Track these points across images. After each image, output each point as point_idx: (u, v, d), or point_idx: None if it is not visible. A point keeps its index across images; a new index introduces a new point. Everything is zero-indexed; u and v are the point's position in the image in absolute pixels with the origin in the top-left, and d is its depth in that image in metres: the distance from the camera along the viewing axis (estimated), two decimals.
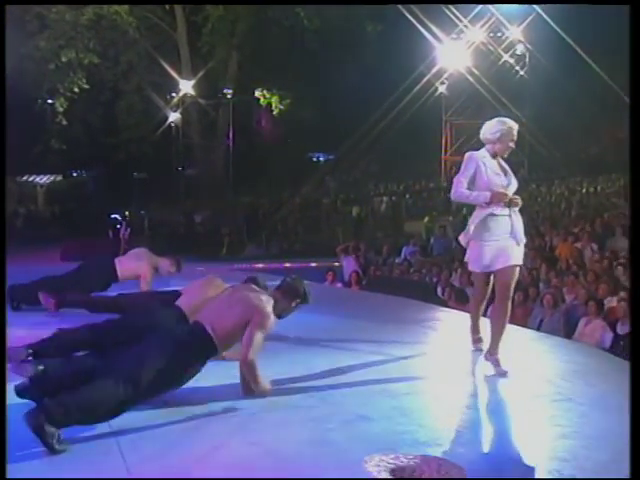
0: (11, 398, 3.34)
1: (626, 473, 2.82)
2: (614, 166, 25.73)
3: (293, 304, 3.98)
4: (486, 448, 3.21)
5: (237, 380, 3.80)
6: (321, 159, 33.45)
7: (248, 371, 3.67)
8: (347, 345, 5.10)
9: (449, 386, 4.21)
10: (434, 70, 24.25)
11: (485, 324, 4.68)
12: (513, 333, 5.41)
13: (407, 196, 26.52)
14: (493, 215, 4.27)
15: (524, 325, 7.03)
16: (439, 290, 9.76)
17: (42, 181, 30.46)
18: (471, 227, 4.36)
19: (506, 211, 4.30)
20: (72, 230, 19.86)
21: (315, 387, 4.00)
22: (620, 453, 3.04)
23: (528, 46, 26.13)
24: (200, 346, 3.55)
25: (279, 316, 3.88)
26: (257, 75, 24.95)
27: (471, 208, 4.54)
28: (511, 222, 4.31)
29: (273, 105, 26.28)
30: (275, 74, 24.93)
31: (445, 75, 25.93)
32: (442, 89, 27.44)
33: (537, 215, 15.67)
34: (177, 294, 4.92)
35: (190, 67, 23.79)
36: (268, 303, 3.76)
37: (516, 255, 4.34)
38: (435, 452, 2.86)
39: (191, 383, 3.58)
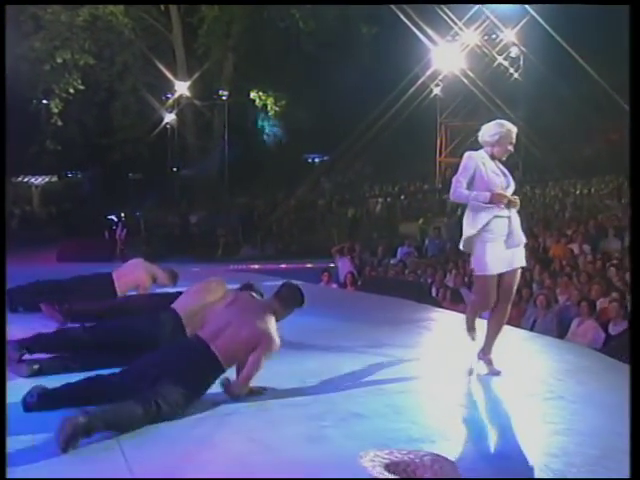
0: (11, 398, 3.37)
1: (615, 468, 2.89)
2: (608, 168, 25.87)
3: (290, 311, 4.02)
4: (479, 445, 3.26)
5: None
6: (316, 160, 33.50)
7: (244, 385, 3.75)
8: (342, 345, 5.15)
9: (442, 385, 4.27)
10: (429, 72, 24.35)
11: (481, 324, 4.71)
12: (506, 333, 5.46)
13: (402, 197, 26.58)
14: (496, 217, 4.27)
15: (517, 325, 7.08)
16: (433, 291, 9.83)
17: (37, 182, 30.41)
18: (471, 231, 4.29)
19: (506, 212, 4.31)
20: (68, 231, 19.85)
21: (310, 386, 4.04)
22: (610, 449, 3.12)
23: (522, 48, 26.24)
24: (210, 369, 3.62)
25: (276, 320, 3.94)
26: (252, 76, 25.02)
27: (466, 209, 4.49)
28: (510, 223, 4.32)
29: (268, 106, 26.37)
30: (270, 75, 25.00)
31: (440, 77, 26.03)
32: (437, 91, 27.53)
33: (531, 216, 15.75)
34: (177, 296, 4.93)
35: (185, 68, 23.84)
36: (272, 325, 3.80)
37: (519, 257, 4.37)
38: (428, 448, 2.90)
39: None
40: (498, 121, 4.48)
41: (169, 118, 25.32)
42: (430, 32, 21.14)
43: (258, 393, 3.81)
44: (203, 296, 4.68)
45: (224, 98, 24.11)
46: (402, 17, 19.97)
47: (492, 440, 3.36)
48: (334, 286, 10.88)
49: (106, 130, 24.37)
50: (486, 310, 4.48)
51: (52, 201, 28.28)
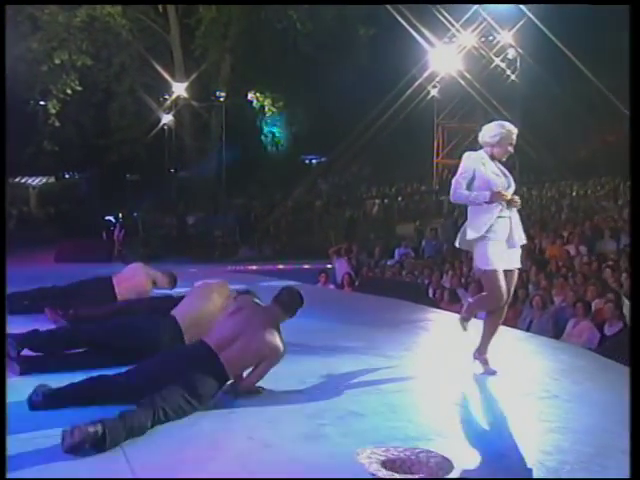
0: (11, 398, 3.38)
1: (608, 465, 2.94)
2: (604, 169, 25.98)
3: (291, 315, 4.06)
4: (474, 442, 3.30)
5: None
6: (313, 161, 33.55)
7: (246, 389, 3.83)
8: (339, 345, 5.19)
9: (439, 384, 4.31)
10: (426, 74, 24.42)
11: (475, 324, 4.76)
12: (503, 333, 5.51)
13: (399, 199, 26.64)
14: (498, 217, 4.27)
15: (514, 326, 7.13)
16: (430, 291, 9.88)
17: (34, 182, 30.38)
18: (474, 234, 4.28)
19: (507, 212, 4.32)
20: (65, 232, 19.86)
21: (308, 385, 4.08)
22: (603, 447, 3.17)
23: (519, 50, 26.35)
24: (217, 378, 3.63)
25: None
26: (250, 78, 25.04)
27: (463, 210, 4.51)
28: (510, 223, 4.33)
29: (266, 108, 26.41)
30: (268, 77, 25.03)
31: (437, 79, 26.11)
32: (434, 92, 27.62)
33: (528, 218, 15.83)
34: (178, 300, 4.95)
35: (183, 69, 23.82)
36: (279, 335, 3.85)
37: (517, 258, 4.40)
38: (424, 446, 2.95)
39: None
40: (499, 122, 4.47)
41: (166, 119, 25.32)
42: (427, 34, 21.20)
43: (257, 392, 3.86)
44: (204, 304, 4.64)
45: (221, 99, 24.12)
46: (399, 19, 20.02)
47: (488, 438, 3.40)
48: (331, 287, 10.91)
49: (103, 131, 24.35)
50: (502, 304, 4.38)
51: (49, 202, 28.27)
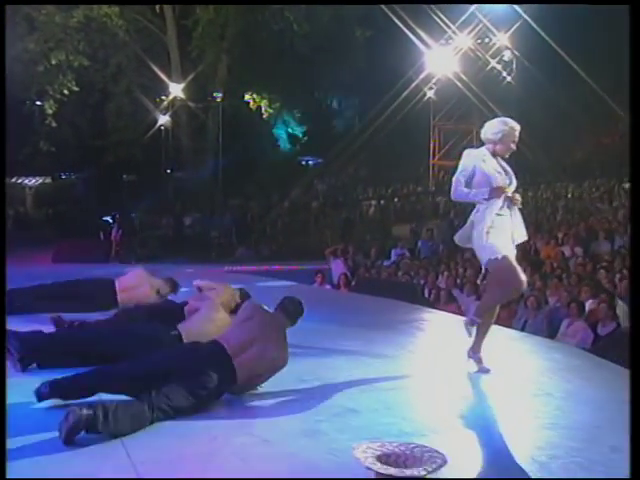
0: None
1: (595, 460, 3.01)
2: (599, 171, 26.08)
3: (294, 323, 4.12)
4: (468, 438, 3.37)
5: None
6: (310, 163, 33.60)
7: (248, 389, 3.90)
8: (336, 344, 5.25)
9: (434, 383, 4.37)
10: (423, 75, 24.49)
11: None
12: (497, 333, 5.58)
13: (395, 200, 26.70)
14: (498, 215, 4.26)
15: (509, 326, 7.19)
16: (426, 292, 9.94)
17: (31, 183, 30.37)
18: (477, 233, 4.29)
19: (506, 211, 4.31)
20: (62, 232, 19.88)
21: (306, 383, 4.14)
22: (591, 442, 3.25)
23: (515, 52, 26.47)
24: (226, 381, 3.66)
25: None
26: (247, 78, 25.08)
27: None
28: (511, 220, 4.33)
29: (263, 108, 26.44)
30: (264, 78, 25.08)
31: (433, 80, 26.18)
32: (430, 94, 27.69)
33: (524, 219, 15.85)
34: (181, 307, 4.98)
35: (180, 70, 23.86)
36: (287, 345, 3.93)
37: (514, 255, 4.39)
38: (419, 442, 3.00)
39: None
40: (502, 119, 4.45)
41: (163, 120, 25.34)
42: (424, 36, 21.29)
43: (254, 389, 3.91)
44: (209, 326, 4.54)
45: (218, 100, 24.15)
46: (396, 20, 20.11)
47: (481, 434, 3.46)
48: (328, 287, 10.97)
49: (100, 132, 24.37)
50: (522, 289, 4.30)
51: (46, 202, 28.28)
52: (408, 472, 2.56)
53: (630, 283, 5.56)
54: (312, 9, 22.08)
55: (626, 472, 2.82)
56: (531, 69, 24.50)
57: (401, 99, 23.82)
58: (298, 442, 3.21)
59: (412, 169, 30.06)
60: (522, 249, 11.35)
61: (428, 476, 2.59)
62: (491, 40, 26.02)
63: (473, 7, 22.06)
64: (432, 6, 20.77)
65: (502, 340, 5.44)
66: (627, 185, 19.35)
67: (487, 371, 4.47)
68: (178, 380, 3.45)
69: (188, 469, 2.91)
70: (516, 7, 21.21)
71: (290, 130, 31.83)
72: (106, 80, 23.30)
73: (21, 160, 22.83)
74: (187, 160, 25.17)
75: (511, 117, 4.58)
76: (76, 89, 21.62)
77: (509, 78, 27.39)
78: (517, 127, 4.36)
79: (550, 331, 7.62)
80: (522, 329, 7.47)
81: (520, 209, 4.44)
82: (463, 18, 22.38)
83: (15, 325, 4.51)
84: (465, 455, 3.11)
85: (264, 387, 3.93)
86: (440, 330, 6.28)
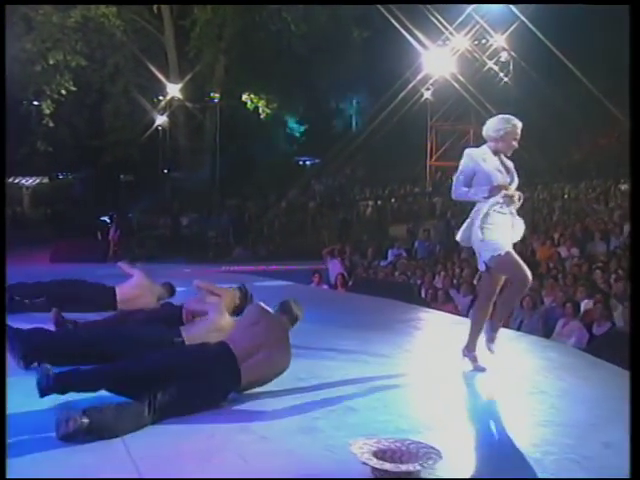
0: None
1: (588, 456, 3.06)
2: (595, 172, 26.17)
3: (294, 326, 4.15)
4: (464, 435, 3.41)
5: None
6: (307, 163, 33.65)
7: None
8: (333, 343, 5.28)
9: (430, 381, 4.41)
10: (420, 76, 24.56)
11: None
12: None
13: (392, 200, 26.75)
14: (499, 213, 4.26)
15: (505, 326, 7.23)
16: (422, 292, 9.98)
17: (28, 183, 30.34)
18: (473, 230, 4.30)
19: (507, 209, 4.30)
20: (59, 232, 19.87)
21: (303, 382, 4.17)
22: (585, 439, 3.30)
23: (512, 53, 26.55)
24: (230, 384, 3.70)
25: None
26: (244, 79, 25.12)
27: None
28: (512, 219, 4.33)
29: (260, 109, 26.49)
30: (262, 78, 25.12)
31: (431, 81, 26.25)
32: (427, 95, 27.76)
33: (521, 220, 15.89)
34: (180, 309, 5.00)
35: (177, 70, 23.89)
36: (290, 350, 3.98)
37: None
38: (415, 438, 3.04)
39: None
40: (503, 116, 4.41)
41: (160, 120, 25.37)
42: (421, 37, 21.35)
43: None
44: (210, 335, 4.42)
45: (216, 100, 24.19)
46: (393, 21, 20.16)
47: (476, 431, 3.51)
48: (325, 287, 11.02)
49: (97, 132, 24.37)
50: (530, 282, 4.31)
51: (43, 202, 28.25)
52: (404, 467, 2.61)
53: (630, 283, 5.59)
54: (310, 9, 22.14)
55: (618, 468, 2.88)
56: (528, 70, 24.58)
57: (398, 100, 23.89)
58: (295, 439, 3.25)
59: (409, 169, 30.11)
60: (519, 249, 11.45)
61: (423, 471, 2.63)
62: (488, 41, 26.10)
63: (470, 9, 22.14)
64: (429, 7, 20.82)
65: (499, 339, 5.47)
66: (623, 186, 19.44)
67: (482, 369, 4.51)
68: (184, 380, 3.48)
69: (187, 465, 2.95)
70: (513, 9, 21.27)
71: (287, 130, 31.86)
72: (103, 80, 23.31)
73: (18, 160, 22.81)
74: (184, 160, 25.20)
75: None
76: (73, 89, 21.64)
77: (506, 79, 27.49)
78: (519, 124, 4.36)
79: (546, 331, 7.67)
80: (518, 329, 7.51)
81: (517, 209, 4.42)
82: (460, 19, 22.45)
83: (16, 325, 4.53)
84: (460, 452, 3.15)
85: (262, 386, 3.96)
86: (437, 329, 6.33)
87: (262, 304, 4.09)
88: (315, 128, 28.16)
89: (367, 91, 25.75)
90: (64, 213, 24.94)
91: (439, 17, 21.47)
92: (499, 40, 25.65)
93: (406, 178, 30.10)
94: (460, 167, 4.38)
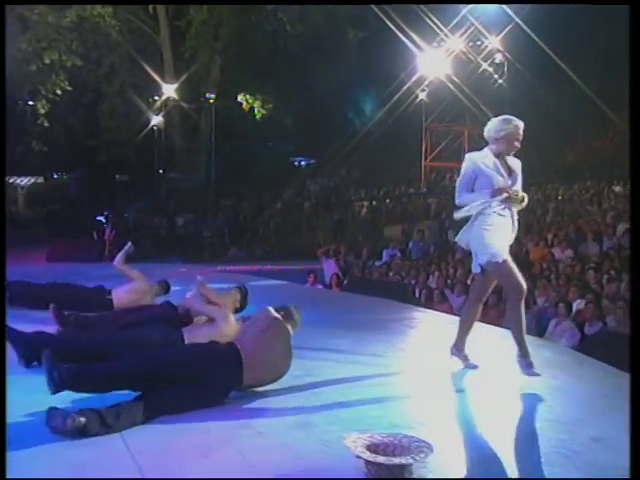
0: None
1: (578, 450, 3.13)
2: (589, 174, 26.28)
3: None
4: (456, 430, 3.48)
5: None
6: (303, 163, 33.69)
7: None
8: (328, 342, 5.34)
9: (423, 378, 4.48)
10: (415, 77, 24.63)
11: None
12: (487, 332, 5.72)
13: (387, 201, 26.82)
14: (499, 215, 4.27)
15: (499, 326, 7.31)
16: (416, 292, 10.05)
17: (22, 183, 30.30)
18: (473, 232, 4.32)
19: (507, 212, 4.31)
20: (55, 232, 19.88)
21: (298, 380, 4.21)
22: (575, 434, 3.36)
23: (507, 55, 26.65)
24: (233, 383, 3.77)
25: None
26: (240, 79, 25.16)
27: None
28: (512, 220, 4.34)
29: (255, 109, 26.53)
30: (257, 78, 25.16)
31: (426, 82, 26.32)
32: (422, 96, 27.83)
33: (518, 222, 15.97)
34: (176, 309, 5.04)
35: (173, 71, 23.92)
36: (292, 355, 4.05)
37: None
38: (407, 433, 3.11)
39: None
40: (504, 117, 4.36)
41: (156, 120, 25.36)
42: (416, 38, 21.44)
43: None
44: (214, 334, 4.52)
45: (211, 101, 24.22)
46: (388, 23, 20.24)
47: (468, 426, 3.58)
48: (320, 287, 11.08)
49: (93, 131, 24.37)
50: (524, 289, 4.27)
51: (38, 202, 28.20)
52: (396, 460, 2.67)
53: (630, 283, 5.67)
54: (305, 10, 22.21)
55: (607, 462, 2.95)
56: (522, 72, 24.69)
57: (393, 101, 23.96)
58: (290, 434, 3.31)
59: (404, 170, 30.16)
60: (514, 251, 11.51)
61: (415, 464, 2.69)
62: (483, 43, 26.19)
63: (465, 10, 22.22)
64: (425, 9, 20.91)
65: (492, 338, 5.56)
66: (616, 188, 19.55)
67: (475, 367, 4.57)
68: (192, 378, 3.56)
69: (186, 460, 3.00)
70: (508, 10, 21.37)
71: (283, 131, 31.86)
72: (99, 80, 23.32)
73: (13, 159, 22.78)
74: (180, 160, 25.24)
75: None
76: (69, 89, 21.65)
77: (501, 80, 27.58)
78: (520, 125, 4.34)
79: (538, 330, 7.74)
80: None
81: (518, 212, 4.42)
82: (455, 21, 22.53)
83: (16, 325, 4.56)
84: (452, 446, 3.21)
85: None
86: (430, 329, 6.40)
87: (272, 310, 4.12)
88: (310, 129, 28.16)
89: (362, 92, 25.79)
90: (59, 213, 24.92)
91: (434, 19, 21.57)
92: (494, 42, 25.74)
93: (401, 179, 30.15)
94: (462, 172, 4.38)
